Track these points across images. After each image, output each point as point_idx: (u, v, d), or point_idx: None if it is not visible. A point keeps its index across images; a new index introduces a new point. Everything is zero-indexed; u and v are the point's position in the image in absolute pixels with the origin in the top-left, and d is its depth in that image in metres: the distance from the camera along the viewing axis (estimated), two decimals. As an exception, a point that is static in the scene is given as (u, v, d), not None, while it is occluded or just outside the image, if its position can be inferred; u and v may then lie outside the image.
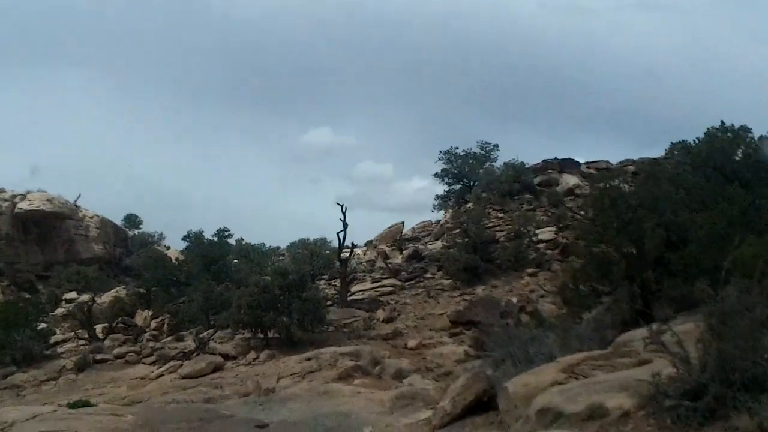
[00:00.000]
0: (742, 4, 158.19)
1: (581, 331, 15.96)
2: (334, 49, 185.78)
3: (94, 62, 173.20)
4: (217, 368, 26.77)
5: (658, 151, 63.90)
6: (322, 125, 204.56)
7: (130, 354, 31.20)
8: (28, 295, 57.47)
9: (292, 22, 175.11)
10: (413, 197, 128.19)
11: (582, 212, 24.96)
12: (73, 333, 38.02)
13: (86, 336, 36.15)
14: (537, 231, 40.12)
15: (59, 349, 34.84)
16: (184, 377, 26.10)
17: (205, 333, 31.84)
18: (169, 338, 35.25)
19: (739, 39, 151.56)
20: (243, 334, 30.33)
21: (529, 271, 36.28)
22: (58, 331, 39.14)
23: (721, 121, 25.44)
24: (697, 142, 25.56)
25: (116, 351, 31.96)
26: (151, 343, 33.63)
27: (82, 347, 34.23)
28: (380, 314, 33.02)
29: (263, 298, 28.29)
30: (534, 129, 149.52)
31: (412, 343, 27.67)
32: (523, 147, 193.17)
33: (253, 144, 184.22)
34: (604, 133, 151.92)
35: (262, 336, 29.29)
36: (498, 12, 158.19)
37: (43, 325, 36.32)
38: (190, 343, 31.01)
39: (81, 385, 27.58)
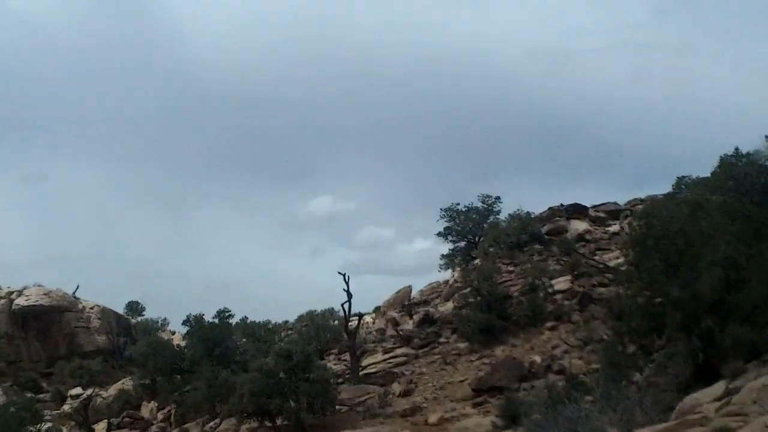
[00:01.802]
0: (726, 42, 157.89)
1: (631, 396, 13.86)
2: (331, 116, 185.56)
3: (88, 145, 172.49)
4: (225, 463, 24.83)
5: (652, 189, 62.68)
6: (323, 194, 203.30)
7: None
8: (31, 395, 55.75)
9: (289, 95, 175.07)
10: (417, 259, 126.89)
11: (625, 255, 22.42)
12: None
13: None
14: (552, 282, 37.94)
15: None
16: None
17: (211, 424, 29.87)
18: (176, 430, 33.33)
19: (724, 75, 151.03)
20: (249, 423, 28.03)
21: (549, 325, 34.09)
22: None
23: (735, 148, 24.46)
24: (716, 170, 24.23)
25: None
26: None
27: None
28: (396, 388, 30.70)
29: (267, 384, 26.06)
30: (532, 177, 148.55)
31: (433, 418, 25.19)
32: (523, 197, 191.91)
33: (255, 216, 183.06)
34: (596, 175, 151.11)
35: (270, 424, 27.12)
36: (487, 62, 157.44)
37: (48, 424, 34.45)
38: (196, 436, 29.12)
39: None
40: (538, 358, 28.91)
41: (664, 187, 53.62)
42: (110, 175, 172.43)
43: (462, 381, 29.99)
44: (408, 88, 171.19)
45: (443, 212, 52.97)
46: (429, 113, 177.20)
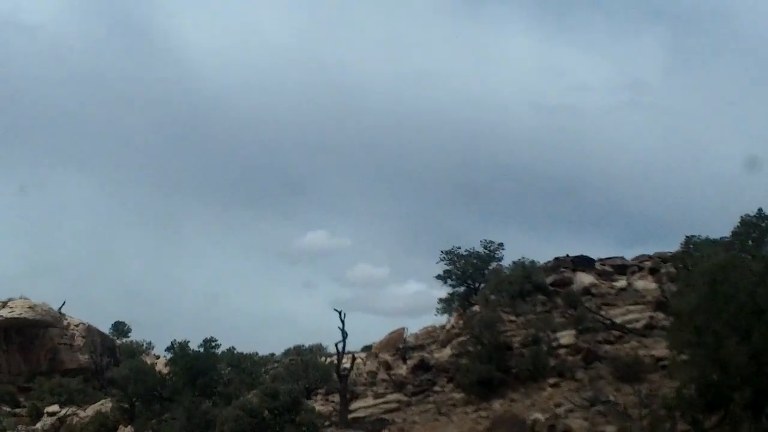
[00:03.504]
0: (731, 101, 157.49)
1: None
2: (335, 151, 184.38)
3: (81, 159, 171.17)
4: None
5: (655, 247, 61.58)
6: (318, 228, 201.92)
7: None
8: (8, 409, 54.20)
9: (284, 129, 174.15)
10: (409, 301, 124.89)
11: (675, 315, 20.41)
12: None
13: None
14: (556, 335, 36.08)
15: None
16: None
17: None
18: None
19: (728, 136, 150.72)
20: (228, 465, 26.06)
21: (551, 381, 32.32)
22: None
23: (759, 209, 23.51)
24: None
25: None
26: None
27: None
28: (386, 436, 28.91)
29: (250, 424, 24.11)
30: (532, 228, 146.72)
31: None
32: (522, 247, 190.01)
33: (247, 248, 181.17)
34: (597, 230, 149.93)
35: (250, 467, 25.25)
36: (491, 115, 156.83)
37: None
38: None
39: None
40: (540, 416, 27.03)
41: (666, 245, 52.54)
42: (104, 190, 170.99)
43: (457, 434, 28.23)
44: (412, 131, 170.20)
45: (443, 255, 51.09)
46: (431, 158, 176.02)
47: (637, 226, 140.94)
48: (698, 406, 15.43)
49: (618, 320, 38.23)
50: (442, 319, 51.86)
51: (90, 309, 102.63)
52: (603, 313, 39.65)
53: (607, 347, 34.63)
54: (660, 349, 31.57)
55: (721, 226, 40.58)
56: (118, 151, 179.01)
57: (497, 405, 30.99)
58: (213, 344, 40.72)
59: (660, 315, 36.62)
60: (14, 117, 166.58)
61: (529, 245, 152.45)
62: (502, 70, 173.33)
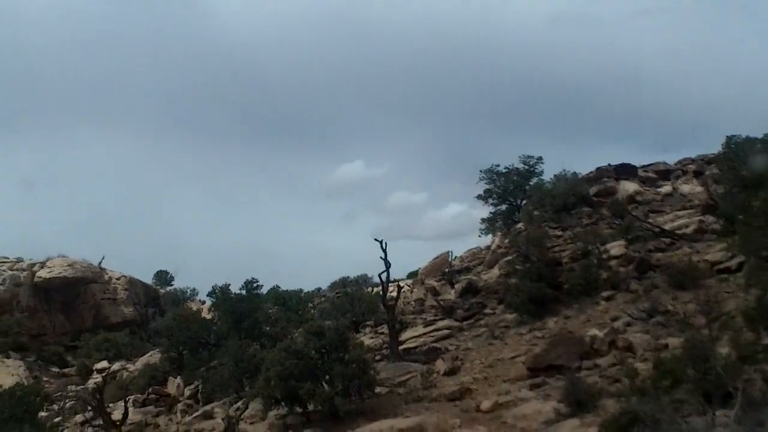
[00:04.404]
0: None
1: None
2: (362, 82, 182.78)
3: (111, 117, 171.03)
4: (249, 457, 22.06)
5: (692, 151, 60.37)
6: (354, 159, 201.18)
7: (146, 446, 26.58)
8: (57, 369, 53.91)
9: (319, 62, 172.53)
10: (450, 224, 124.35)
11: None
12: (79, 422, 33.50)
13: (99, 424, 31.51)
14: (606, 247, 34.69)
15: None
16: (209, 472, 21.54)
17: (235, 407, 27.25)
18: (199, 412, 30.93)
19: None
20: (277, 409, 25.05)
21: (605, 294, 30.89)
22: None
23: None
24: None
25: (132, 443, 27.32)
26: (173, 428, 28.94)
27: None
28: (440, 366, 27.56)
29: (297, 366, 23.03)
30: (564, 141, 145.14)
31: (486, 404, 21.99)
32: (562, 160, 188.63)
33: (284, 188, 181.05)
34: (633, 138, 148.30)
35: (300, 410, 24.20)
36: (514, 33, 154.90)
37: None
38: (219, 422, 26.34)
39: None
40: (598, 332, 25.72)
41: (705, 148, 51.36)
42: (140, 145, 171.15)
43: (513, 357, 26.91)
44: (438, 54, 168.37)
45: (483, 174, 49.83)
46: (460, 79, 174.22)
47: (674, 131, 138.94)
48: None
49: (667, 227, 36.91)
50: (487, 240, 51.07)
51: (131, 264, 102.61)
52: (651, 220, 38.36)
53: (659, 255, 33.25)
54: (713, 253, 30.28)
55: (758, 125, 39.19)
56: (151, 106, 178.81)
57: (551, 323, 29.77)
58: (255, 285, 39.87)
59: (710, 218, 35.32)
60: (51, 77, 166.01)
61: (567, 159, 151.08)
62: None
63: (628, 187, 45.56)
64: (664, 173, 49.28)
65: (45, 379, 50.29)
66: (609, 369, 22.48)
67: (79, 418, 34.25)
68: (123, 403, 32.08)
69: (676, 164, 50.87)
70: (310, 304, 49.27)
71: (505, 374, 25.27)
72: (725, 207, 32.33)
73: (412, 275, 58.45)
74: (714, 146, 42.51)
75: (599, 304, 30.25)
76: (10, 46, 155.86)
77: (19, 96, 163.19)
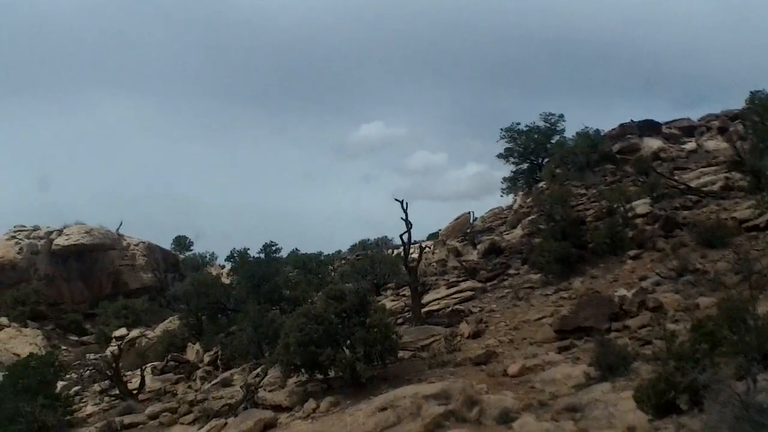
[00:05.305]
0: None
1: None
2: (379, 40, 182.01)
3: (124, 83, 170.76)
4: (268, 426, 21.34)
5: (715, 108, 59.49)
6: (373, 120, 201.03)
7: (165, 414, 25.98)
8: (75, 337, 53.77)
9: (336, 21, 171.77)
10: (471, 183, 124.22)
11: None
12: (98, 391, 33.12)
13: (117, 393, 31.11)
14: (631, 205, 33.87)
15: (88, 408, 30.04)
16: (228, 442, 20.98)
17: (254, 374, 26.74)
18: (218, 379, 30.51)
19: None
20: (297, 376, 24.46)
21: (631, 253, 30.03)
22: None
23: None
24: None
25: (149, 410, 26.74)
26: (191, 396, 28.44)
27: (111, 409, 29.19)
28: (464, 328, 26.77)
29: (316, 331, 22.34)
30: (588, 99, 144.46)
31: (513, 368, 21.17)
32: (584, 118, 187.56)
33: (304, 149, 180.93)
34: (655, 95, 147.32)
35: (321, 377, 23.57)
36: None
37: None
38: (237, 390, 25.82)
39: (107, 461, 22.57)
40: (627, 293, 24.96)
41: (728, 104, 50.65)
42: (155, 108, 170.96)
43: (539, 319, 26.10)
44: (458, 11, 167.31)
45: (503, 132, 48.96)
46: (480, 37, 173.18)
47: (696, 87, 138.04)
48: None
49: (692, 184, 36.05)
50: (508, 200, 50.46)
51: (149, 230, 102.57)
52: (676, 177, 37.53)
53: (686, 213, 32.41)
54: (741, 210, 29.47)
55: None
56: (165, 71, 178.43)
57: (578, 283, 28.96)
58: (274, 249, 39.36)
59: (736, 175, 34.43)
60: (64, 42, 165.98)
61: (589, 117, 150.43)
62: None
63: (652, 143, 44.70)
64: (688, 130, 48.48)
65: (63, 347, 50.28)
66: (639, 330, 21.70)
67: (97, 387, 33.91)
68: (140, 372, 31.71)
69: (699, 120, 50.03)
70: (331, 267, 48.90)
71: (532, 337, 24.47)
72: (752, 163, 31.53)
73: (433, 237, 57.99)
74: (736, 103, 41.64)
75: (626, 264, 29.43)
76: (23, 12, 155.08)
77: (32, 63, 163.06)
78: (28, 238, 61.30)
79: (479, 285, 33.25)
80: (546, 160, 47.70)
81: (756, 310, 14.38)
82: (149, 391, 31.71)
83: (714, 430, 10.93)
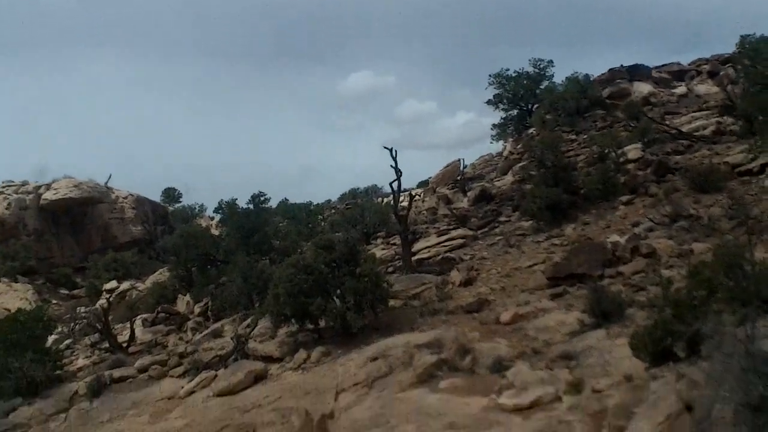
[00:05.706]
0: None
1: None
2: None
3: (113, 40, 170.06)
4: (259, 377, 21.26)
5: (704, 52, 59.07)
6: (362, 69, 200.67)
7: (154, 367, 25.83)
8: (66, 291, 53.70)
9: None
10: (461, 132, 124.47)
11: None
12: (89, 344, 32.95)
13: (106, 346, 30.95)
14: (622, 150, 33.56)
15: (78, 362, 29.90)
16: (218, 394, 20.78)
17: (245, 325, 26.59)
18: (208, 330, 30.41)
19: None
20: (287, 326, 24.28)
21: (623, 199, 29.75)
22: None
23: None
24: None
25: (138, 363, 26.56)
26: (182, 347, 28.27)
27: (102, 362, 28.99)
28: (455, 276, 26.45)
29: (306, 281, 22.11)
30: (576, 45, 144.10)
31: (505, 316, 20.92)
32: (574, 64, 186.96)
33: (292, 101, 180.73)
34: (643, 41, 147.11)
35: (312, 326, 23.38)
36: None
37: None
38: (228, 341, 25.64)
39: (96, 416, 22.49)
40: (619, 239, 24.70)
41: (718, 48, 50.43)
42: (145, 65, 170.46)
43: (530, 266, 25.80)
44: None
45: (492, 79, 48.53)
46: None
47: (685, 31, 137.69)
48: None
49: (684, 128, 35.76)
50: (498, 146, 50.31)
51: (139, 183, 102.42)
52: (667, 122, 37.28)
53: (677, 158, 32.12)
54: (734, 155, 29.18)
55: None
56: (155, 26, 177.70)
57: (570, 230, 28.68)
58: (262, 199, 39.05)
59: (728, 120, 34.22)
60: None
61: (578, 62, 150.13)
62: None
63: (642, 88, 44.44)
64: (678, 74, 48.20)
65: (54, 301, 50.20)
66: (633, 277, 21.47)
67: (87, 340, 33.76)
68: (129, 324, 31.57)
69: (689, 64, 49.73)
70: (320, 217, 48.73)
71: (524, 284, 24.21)
72: (744, 107, 31.25)
73: (423, 185, 57.80)
74: (725, 47, 41.46)
75: (618, 209, 29.15)
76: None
77: (19, 21, 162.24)
78: (17, 194, 61.00)
79: (470, 233, 33.06)
80: (536, 106, 47.38)
81: (753, 256, 14.13)
82: (140, 344, 31.52)
83: (718, 380, 10.70)
